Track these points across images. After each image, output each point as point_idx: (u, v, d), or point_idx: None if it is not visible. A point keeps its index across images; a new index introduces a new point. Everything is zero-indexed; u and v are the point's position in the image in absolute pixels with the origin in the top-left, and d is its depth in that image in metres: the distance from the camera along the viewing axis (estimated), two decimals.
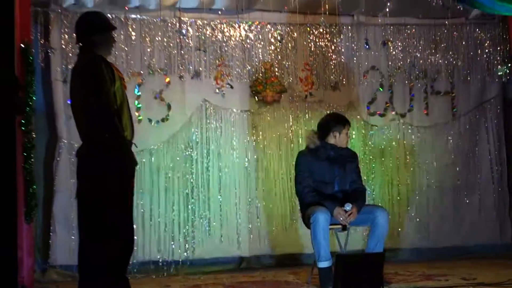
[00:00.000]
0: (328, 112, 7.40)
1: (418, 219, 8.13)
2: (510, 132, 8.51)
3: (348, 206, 5.80)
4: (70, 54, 7.31)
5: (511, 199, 8.43)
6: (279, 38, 7.93)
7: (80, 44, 5.11)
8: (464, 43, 8.38)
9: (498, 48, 8.41)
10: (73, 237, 7.10)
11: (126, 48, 7.50)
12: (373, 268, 4.79)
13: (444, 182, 8.23)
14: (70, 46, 7.30)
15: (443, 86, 8.36)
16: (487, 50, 8.42)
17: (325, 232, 5.67)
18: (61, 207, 7.07)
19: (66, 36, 7.32)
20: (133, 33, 7.52)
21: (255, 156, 7.79)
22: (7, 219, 3.74)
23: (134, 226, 5.42)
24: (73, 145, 7.20)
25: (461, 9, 7.88)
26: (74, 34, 5.26)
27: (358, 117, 8.11)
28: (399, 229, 8.03)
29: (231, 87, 7.74)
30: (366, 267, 4.79)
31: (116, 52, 7.40)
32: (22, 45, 6.37)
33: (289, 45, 7.96)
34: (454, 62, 8.34)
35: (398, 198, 8.11)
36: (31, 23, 6.84)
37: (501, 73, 7.70)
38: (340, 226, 5.91)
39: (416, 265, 7.22)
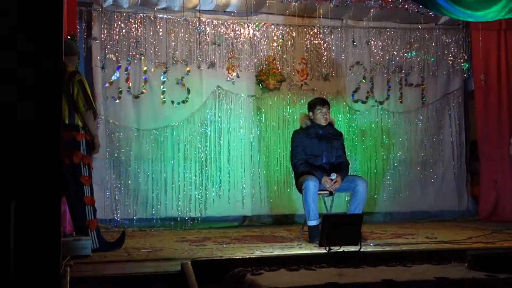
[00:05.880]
0: None
1: (391, 188, 8.07)
2: (469, 119, 8.45)
3: (333, 176, 5.73)
4: (108, 46, 7.24)
5: (467, 174, 8.38)
6: (280, 36, 7.83)
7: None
8: (433, 44, 8.28)
9: (461, 49, 8.31)
10: (107, 196, 7.08)
11: (154, 42, 7.42)
12: (353, 227, 4.69)
13: (414, 158, 8.17)
14: (108, 39, 7.23)
15: (415, 79, 8.26)
16: (452, 51, 8.32)
17: (314, 196, 5.62)
18: (98, 171, 6.95)
19: (105, 31, 7.26)
20: (160, 30, 7.43)
21: (258, 133, 7.71)
22: (52, 178, 3.62)
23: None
24: (109, 120, 7.21)
25: (432, 15, 7.76)
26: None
27: (344, 103, 8.01)
28: (376, 196, 7.97)
29: (239, 76, 7.63)
30: (347, 226, 4.70)
31: (146, 45, 7.39)
32: (69, 37, 6.28)
33: (289, 42, 7.86)
34: (425, 59, 8.23)
35: (375, 170, 8.04)
36: (76, 19, 6.73)
37: None
38: (327, 192, 5.84)
39: (388, 226, 7.16)
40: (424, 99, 8.26)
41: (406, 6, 7.48)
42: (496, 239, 5.63)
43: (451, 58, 8.30)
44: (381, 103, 8.13)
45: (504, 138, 7.67)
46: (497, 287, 3.41)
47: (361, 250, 4.56)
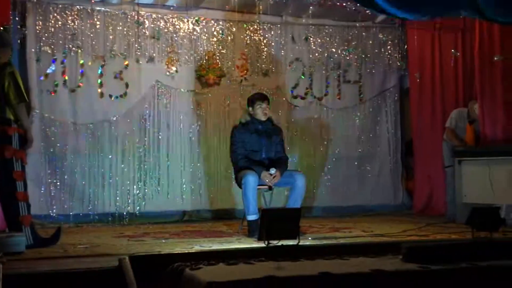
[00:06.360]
0: None
1: (329, 183, 8.17)
2: (404, 115, 8.63)
3: (272, 170, 5.75)
4: (43, 38, 7.05)
5: (403, 169, 8.56)
6: (220, 31, 7.80)
7: None
8: (371, 42, 8.41)
9: (397, 47, 8.48)
10: (42, 191, 6.91)
11: (91, 35, 7.28)
12: (291, 221, 4.73)
13: (351, 154, 8.29)
14: (44, 31, 7.05)
15: (353, 76, 8.39)
16: (388, 48, 8.47)
17: (254, 191, 5.64)
18: (33, 166, 6.67)
19: (40, 23, 7.07)
20: (98, 23, 7.29)
21: (197, 128, 7.68)
22: None
23: None
24: (44, 114, 7.03)
25: (369, 13, 7.90)
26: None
27: (284, 99, 8.07)
28: (314, 191, 8.05)
29: (178, 71, 7.58)
30: (286, 220, 4.74)
31: (83, 38, 7.26)
32: (1, 28, 6.09)
33: (229, 38, 7.84)
34: (362, 57, 8.36)
35: (314, 165, 8.13)
36: (9, 10, 6.53)
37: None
38: (266, 187, 5.87)
39: (327, 220, 7.25)
40: (361, 96, 8.40)
41: (344, 3, 7.59)
42: (429, 232, 5.79)
43: (388, 56, 8.47)
44: (319, 99, 8.23)
45: (437, 134, 7.82)
46: (430, 278, 3.52)
47: (299, 244, 4.61)
